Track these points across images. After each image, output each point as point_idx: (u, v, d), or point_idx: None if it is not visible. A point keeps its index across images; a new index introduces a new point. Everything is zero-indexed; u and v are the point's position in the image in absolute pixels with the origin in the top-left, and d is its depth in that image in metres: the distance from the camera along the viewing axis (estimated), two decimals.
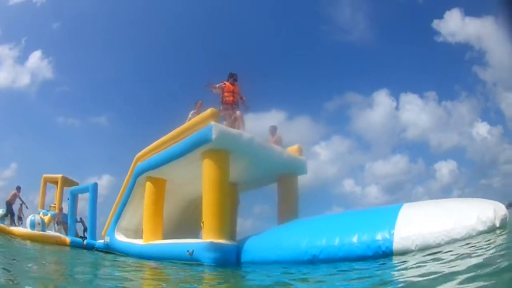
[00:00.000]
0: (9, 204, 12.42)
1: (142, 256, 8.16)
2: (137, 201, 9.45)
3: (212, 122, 7.13)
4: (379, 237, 5.00)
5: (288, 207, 8.74)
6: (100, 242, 10.86)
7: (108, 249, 9.97)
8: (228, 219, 7.21)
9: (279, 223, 8.31)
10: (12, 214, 12.33)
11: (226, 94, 8.61)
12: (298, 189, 9.12)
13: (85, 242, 11.40)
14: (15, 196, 12.66)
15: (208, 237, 6.76)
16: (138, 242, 8.74)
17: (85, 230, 12.45)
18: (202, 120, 7.47)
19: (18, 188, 13.18)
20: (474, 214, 4.63)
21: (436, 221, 4.76)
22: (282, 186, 9.03)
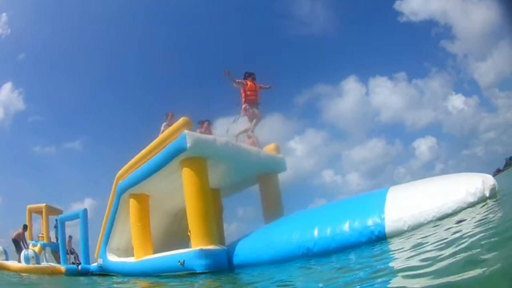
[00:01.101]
0: (16, 242, 12.35)
1: (135, 273, 8.14)
2: (123, 219, 9.39)
3: (186, 131, 7.17)
4: (370, 222, 5.03)
5: (272, 206, 8.84)
6: (94, 265, 10.78)
7: (103, 271, 9.90)
8: (214, 224, 7.25)
9: (266, 222, 8.40)
10: (20, 250, 12.20)
11: (249, 92, 8.67)
12: (279, 187, 9.24)
13: (79, 267, 11.30)
14: (19, 235, 12.58)
15: (197, 245, 6.78)
16: (130, 260, 8.70)
17: (75, 257, 12.32)
18: (175, 130, 7.49)
19: (25, 227, 13.11)
20: (462, 187, 4.71)
21: (425, 199, 4.82)
22: (264, 186, 9.12)
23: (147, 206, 8.85)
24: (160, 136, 8.06)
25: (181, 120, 7.51)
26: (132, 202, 8.82)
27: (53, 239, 13.24)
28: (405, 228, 4.70)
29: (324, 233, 5.47)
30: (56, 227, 12.72)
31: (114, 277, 9.00)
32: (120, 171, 9.31)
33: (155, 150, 7.99)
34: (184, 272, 6.82)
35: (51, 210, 13.88)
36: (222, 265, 6.68)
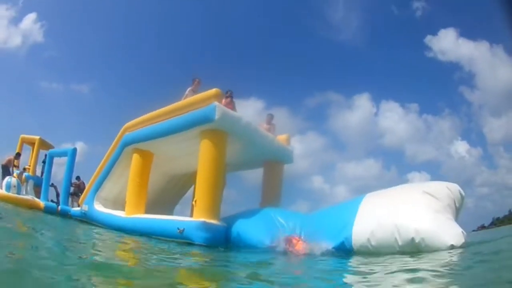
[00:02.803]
0: (5, 168, 11.85)
1: (124, 229, 7.98)
2: (120, 171, 9.19)
3: (216, 102, 7.07)
4: (341, 234, 5.33)
5: (272, 193, 8.93)
6: (75, 209, 10.51)
7: (85, 218, 9.67)
8: (220, 200, 7.22)
9: (262, 206, 8.40)
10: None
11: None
12: (283, 177, 9.32)
13: (59, 208, 10.97)
14: (10, 161, 12.10)
15: (200, 216, 6.74)
16: (120, 214, 8.54)
17: (57, 195, 11.94)
18: (204, 99, 7.35)
19: (17, 155, 12.65)
20: (428, 216, 4.87)
21: (391, 219, 4.96)
22: (268, 172, 9.18)
23: (149, 164, 8.69)
24: (186, 100, 7.88)
25: (213, 90, 7.36)
26: (136, 157, 8.62)
27: (38, 174, 12.80)
28: (369, 247, 4.98)
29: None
30: (44, 162, 12.27)
31: (100, 228, 8.72)
32: (130, 123, 9.03)
33: (175, 113, 7.79)
34: (178, 240, 6.78)
35: (43, 144, 13.35)
36: (221, 241, 6.67)
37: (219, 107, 7.02)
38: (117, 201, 9.31)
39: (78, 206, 10.47)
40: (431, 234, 4.69)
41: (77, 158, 11.76)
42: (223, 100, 8.07)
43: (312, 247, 5.62)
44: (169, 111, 8.01)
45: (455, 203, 5.18)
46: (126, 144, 8.89)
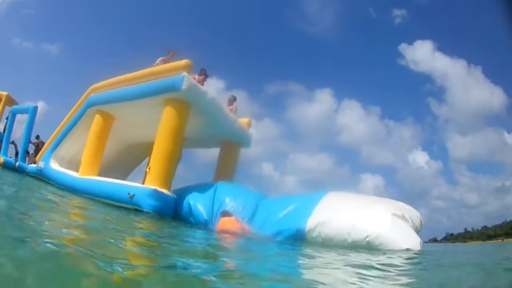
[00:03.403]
0: None
1: (75, 189, 7.82)
2: (80, 132, 8.99)
3: (185, 73, 7.00)
4: (297, 223, 5.44)
5: (226, 174, 8.85)
6: (32, 166, 10.22)
7: (40, 175, 9.42)
8: (174, 171, 7.17)
9: None
10: None
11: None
12: (238, 159, 9.34)
13: (17, 164, 10.65)
14: None
15: (151, 184, 6.68)
16: (73, 174, 8.35)
17: (16, 153, 11.56)
18: (174, 69, 7.25)
19: None
20: (387, 218, 5.06)
21: (344, 226, 5.09)
22: (225, 152, 9.15)
23: (110, 127, 8.55)
24: (156, 68, 7.76)
25: (184, 61, 7.27)
26: (98, 118, 8.44)
27: (1, 130, 12.34)
28: (320, 239, 5.14)
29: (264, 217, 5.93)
30: (7, 118, 11.85)
31: (53, 186, 8.49)
32: (96, 84, 8.82)
33: (144, 78, 7.65)
34: (127, 205, 6.71)
35: (10, 101, 12.82)
36: (169, 211, 6.64)
37: (187, 78, 6.93)
38: (72, 162, 9.10)
39: (35, 163, 10.19)
40: (388, 234, 4.83)
41: (38, 118, 11.44)
42: (197, 77, 8.01)
43: (247, 229, 5.75)
44: (137, 77, 7.86)
45: (415, 225, 5.35)
46: (90, 105, 8.68)
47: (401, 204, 5.69)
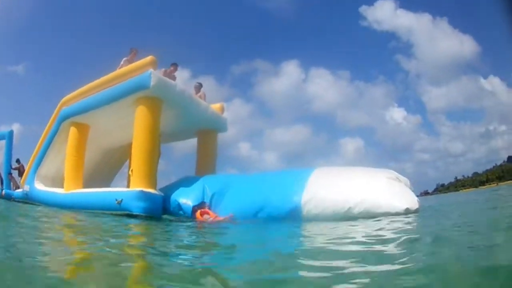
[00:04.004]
0: None
1: (63, 205, 7.68)
2: (58, 147, 8.80)
3: (151, 69, 6.90)
4: (291, 200, 5.46)
5: (207, 162, 8.86)
6: (18, 191, 10.02)
7: (27, 199, 9.22)
8: (156, 168, 7.10)
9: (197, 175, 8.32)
10: None
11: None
12: (217, 145, 9.28)
13: (3, 192, 10.44)
14: None
15: (137, 186, 6.59)
16: (59, 190, 8.21)
17: (0, 180, 11.31)
18: (139, 67, 7.14)
19: None
20: (382, 181, 5.18)
21: (339, 195, 5.18)
22: (203, 141, 9.08)
23: (86, 137, 8.39)
24: (121, 69, 7.58)
25: (149, 58, 7.15)
26: (73, 130, 8.26)
27: None
28: (316, 214, 5.15)
29: (255, 201, 5.86)
30: None
31: (40, 207, 8.38)
32: (66, 97, 8.62)
33: (112, 82, 7.51)
34: (118, 211, 6.63)
35: None
36: (158, 210, 6.59)
37: (154, 74, 6.84)
38: (56, 179, 8.92)
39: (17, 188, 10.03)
40: (388, 197, 4.91)
41: (15, 140, 11.21)
42: (167, 70, 7.89)
43: (222, 217, 5.78)
44: (105, 82, 7.71)
45: (408, 184, 5.51)
46: (63, 118, 8.48)
47: (389, 170, 5.81)
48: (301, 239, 3.72)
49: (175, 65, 8.29)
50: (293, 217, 5.35)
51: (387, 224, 4.02)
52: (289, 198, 5.53)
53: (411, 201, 4.91)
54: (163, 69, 7.60)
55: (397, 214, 4.67)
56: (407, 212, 4.73)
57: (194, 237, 4.23)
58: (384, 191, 5.03)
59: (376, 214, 4.73)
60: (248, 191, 6.27)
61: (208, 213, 5.76)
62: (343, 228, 4.12)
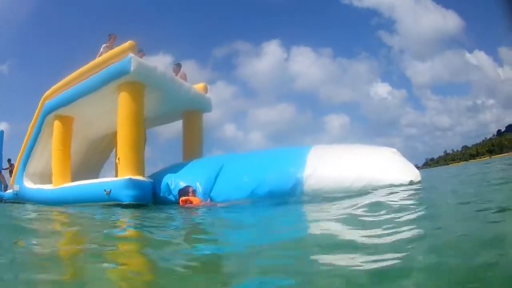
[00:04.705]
0: None
1: (53, 201, 7.49)
2: (44, 142, 8.59)
3: (131, 54, 6.68)
4: (292, 176, 5.32)
5: (193, 144, 8.70)
6: (8, 192, 9.83)
7: (18, 199, 9.02)
8: (143, 155, 6.93)
9: (184, 159, 8.20)
10: None
11: None
12: (203, 126, 9.09)
13: None
14: None
15: (125, 174, 6.41)
16: (48, 187, 8.03)
17: None
18: (119, 53, 6.92)
19: None
20: (375, 165, 5.05)
21: (341, 169, 5.11)
22: (188, 123, 8.88)
23: (71, 130, 8.18)
24: (101, 57, 7.34)
25: (128, 43, 6.91)
26: (57, 124, 8.05)
27: None
28: (319, 191, 4.99)
29: (256, 178, 5.62)
30: None
31: (28, 205, 8.20)
32: (49, 91, 8.37)
33: (92, 71, 7.28)
34: (108, 202, 6.45)
35: None
36: (148, 197, 6.41)
37: (134, 59, 6.63)
38: (44, 174, 8.74)
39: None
40: (393, 169, 4.93)
41: (5, 140, 11.04)
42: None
43: (208, 202, 5.63)
44: (86, 71, 7.47)
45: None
46: (46, 112, 8.26)
47: (390, 148, 5.70)
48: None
49: (178, 66, 8.32)
50: (294, 193, 5.21)
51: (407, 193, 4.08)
52: (289, 174, 5.39)
53: (414, 173, 4.96)
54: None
55: (401, 185, 4.68)
56: (411, 183, 4.74)
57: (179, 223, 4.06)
58: (389, 164, 5.08)
59: (381, 186, 4.68)
60: (243, 169, 6.04)
61: (189, 201, 5.52)
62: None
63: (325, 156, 5.56)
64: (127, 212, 5.47)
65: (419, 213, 2.65)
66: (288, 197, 5.14)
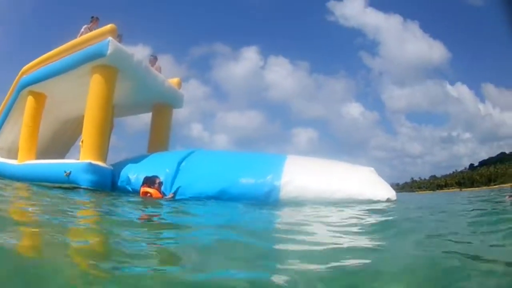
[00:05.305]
0: None
1: (16, 177, 7.36)
2: (16, 117, 8.46)
3: (110, 38, 6.59)
4: (269, 183, 5.26)
5: (160, 138, 8.56)
6: None
7: None
8: (108, 141, 6.81)
9: (149, 151, 7.99)
10: None
11: None
12: (172, 121, 8.93)
13: None
14: None
15: (86, 158, 6.29)
16: (12, 162, 7.87)
17: None
18: (99, 35, 6.83)
19: None
20: (354, 180, 5.12)
21: (321, 181, 5.12)
22: (157, 116, 8.72)
23: (42, 107, 8.03)
24: (80, 38, 7.24)
25: (109, 26, 6.82)
26: (30, 99, 7.92)
27: None
28: (300, 198, 4.95)
29: (231, 180, 5.51)
30: None
31: None
32: (27, 66, 8.24)
33: (71, 50, 7.16)
34: (67, 184, 6.32)
35: None
36: (107, 184, 6.28)
37: (112, 42, 6.54)
38: (12, 150, 8.58)
39: None
40: (372, 185, 5.03)
41: None
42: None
43: (169, 196, 5.52)
44: (64, 50, 7.35)
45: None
46: (21, 87, 8.15)
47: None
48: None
49: (155, 58, 8.20)
50: (268, 198, 5.12)
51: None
52: (264, 179, 5.31)
53: (391, 192, 5.09)
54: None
55: (378, 202, 4.78)
56: (388, 201, 4.85)
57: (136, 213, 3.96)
58: (368, 180, 5.18)
59: (360, 201, 4.74)
60: (214, 168, 5.91)
61: (149, 193, 5.36)
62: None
63: (303, 166, 5.56)
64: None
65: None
66: (262, 201, 5.05)
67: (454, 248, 1.82)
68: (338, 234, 2.37)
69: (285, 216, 4.02)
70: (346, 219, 3.27)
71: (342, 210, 4.04)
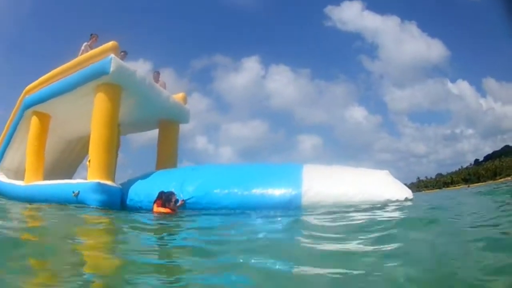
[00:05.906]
0: None
1: (23, 198, 7.33)
2: (21, 137, 8.42)
3: (112, 55, 6.56)
4: (289, 192, 5.35)
5: (168, 154, 8.48)
6: None
7: None
8: (115, 159, 6.76)
9: (158, 168, 7.95)
10: None
11: None
12: (178, 136, 8.86)
13: None
14: None
15: (94, 177, 6.25)
16: (19, 183, 7.83)
17: None
18: (101, 53, 6.80)
19: None
20: (372, 183, 5.25)
21: (340, 186, 5.23)
22: (164, 132, 8.62)
23: (47, 127, 7.99)
24: (83, 56, 7.22)
25: (110, 43, 6.81)
26: (34, 120, 7.89)
27: None
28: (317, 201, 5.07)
29: (250, 191, 5.56)
30: None
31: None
32: (30, 85, 8.23)
33: (73, 69, 7.15)
34: (75, 204, 6.28)
35: None
36: (116, 203, 6.22)
37: (115, 60, 6.51)
38: (19, 171, 8.55)
39: None
40: (390, 186, 5.25)
41: None
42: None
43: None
44: (67, 68, 7.35)
45: None
46: (25, 107, 8.11)
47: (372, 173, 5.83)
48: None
49: (158, 73, 8.25)
50: (290, 206, 5.16)
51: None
52: (285, 188, 5.40)
53: (408, 191, 5.31)
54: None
55: (397, 201, 4.97)
56: (406, 200, 5.05)
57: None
58: (385, 182, 5.38)
59: (379, 202, 4.92)
60: (233, 182, 5.84)
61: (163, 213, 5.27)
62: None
63: (321, 173, 5.68)
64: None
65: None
66: (283, 210, 5.02)
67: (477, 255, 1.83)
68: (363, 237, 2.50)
69: (311, 221, 3.99)
70: (372, 221, 3.33)
71: (365, 213, 4.17)
